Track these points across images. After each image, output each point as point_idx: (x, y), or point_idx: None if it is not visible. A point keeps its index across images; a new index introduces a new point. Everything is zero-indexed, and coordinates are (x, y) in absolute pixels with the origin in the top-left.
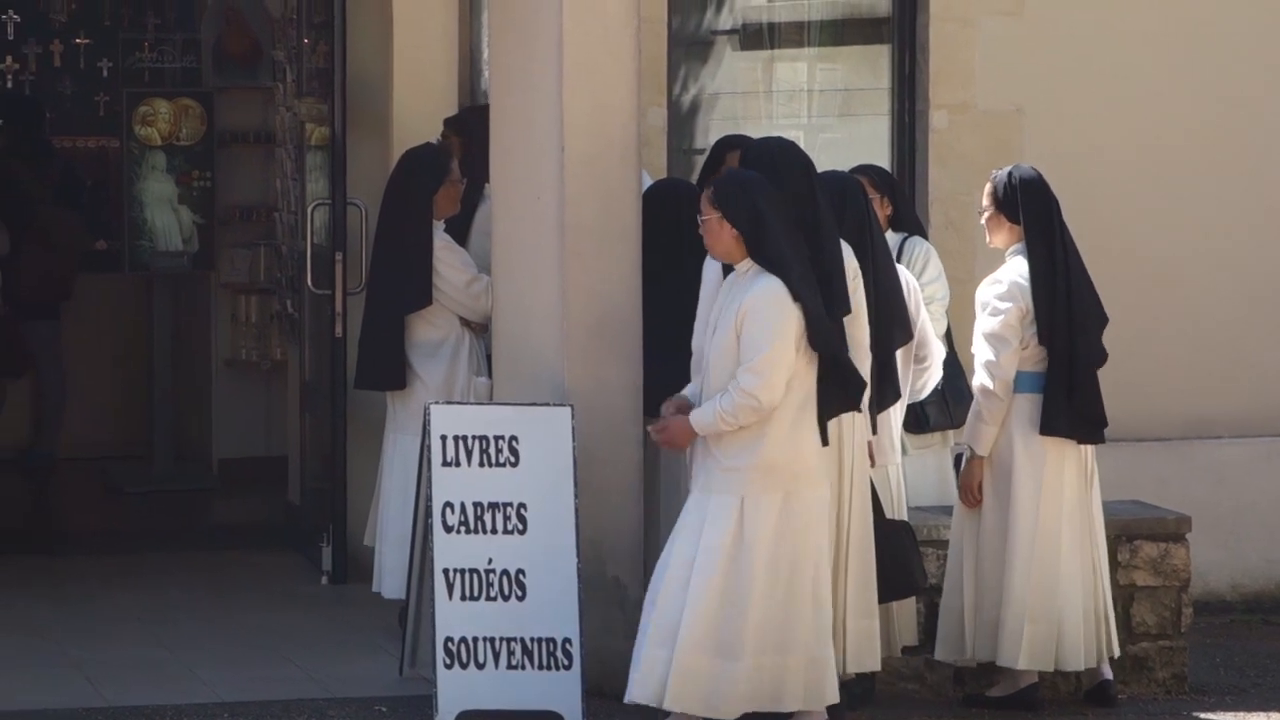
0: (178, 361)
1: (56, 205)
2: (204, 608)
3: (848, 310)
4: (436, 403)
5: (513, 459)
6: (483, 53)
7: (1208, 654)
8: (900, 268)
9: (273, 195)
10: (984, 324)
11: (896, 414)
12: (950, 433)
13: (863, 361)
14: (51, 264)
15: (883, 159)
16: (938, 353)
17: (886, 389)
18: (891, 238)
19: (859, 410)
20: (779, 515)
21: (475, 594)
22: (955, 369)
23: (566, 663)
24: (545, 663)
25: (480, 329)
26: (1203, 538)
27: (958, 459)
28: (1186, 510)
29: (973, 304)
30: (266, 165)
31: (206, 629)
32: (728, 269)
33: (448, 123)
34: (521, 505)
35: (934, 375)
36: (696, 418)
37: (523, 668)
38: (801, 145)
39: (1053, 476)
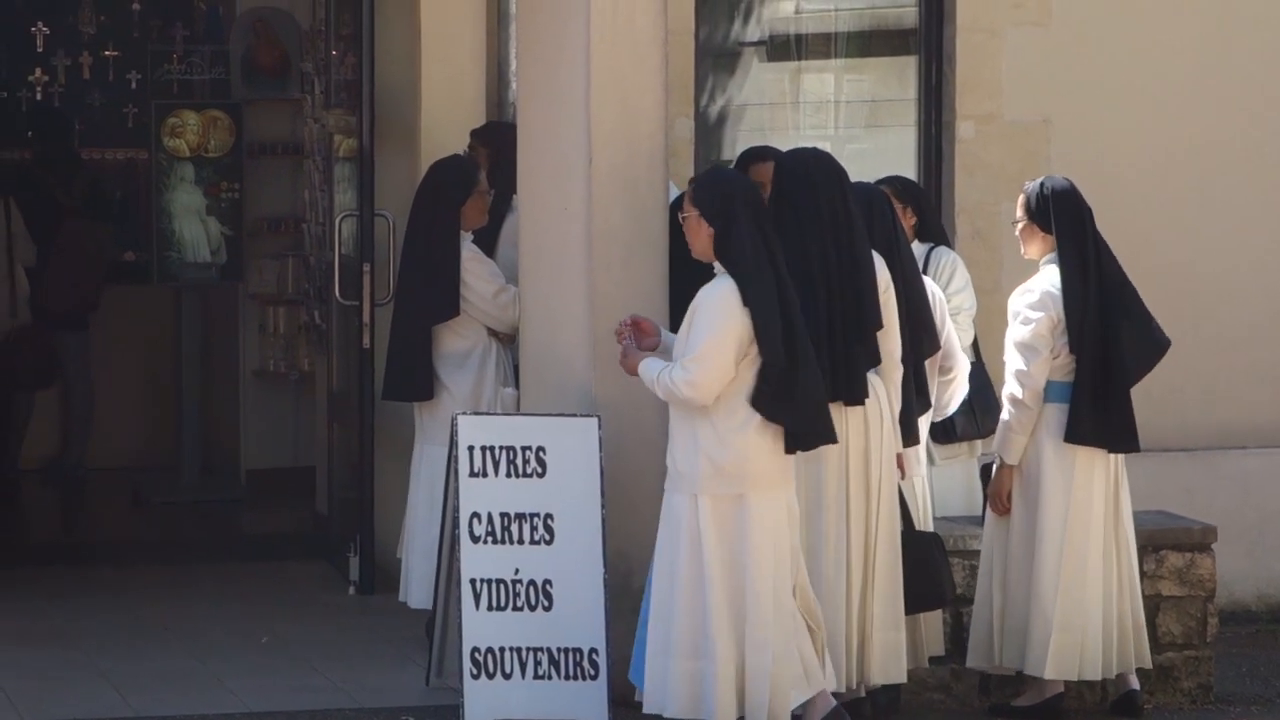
0: (206, 372)
1: (85, 217)
2: (232, 618)
3: (880, 324)
4: (464, 413)
5: (540, 469)
6: (510, 64)
7: (1234, 664)
8: (926, 279)
9: (301, 206)
10: (1015, 333)
11: (923, 425)
12: (978, 443)
13: (894, 373)
14: (79, 275)
15: (909, 170)
16: (963, 365)
17: (918, 400)
18: (917, 248)
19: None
20: (732, 517)
21: (502, 604)
22: (982, 379)
23: (593, 673)
24: (572, 673)
25: (507, 339)
26: (1228, 548)
27: (985, 469)
28: (1212, 520)
29: (1000, 314)
30: (295, 177)
31: (234, 639)
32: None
33: (475, 134)
34: (549, 516)
35: (960, 388)
36: (644, 365)
37: (549, 678)
38: None
39: (1082, 486)
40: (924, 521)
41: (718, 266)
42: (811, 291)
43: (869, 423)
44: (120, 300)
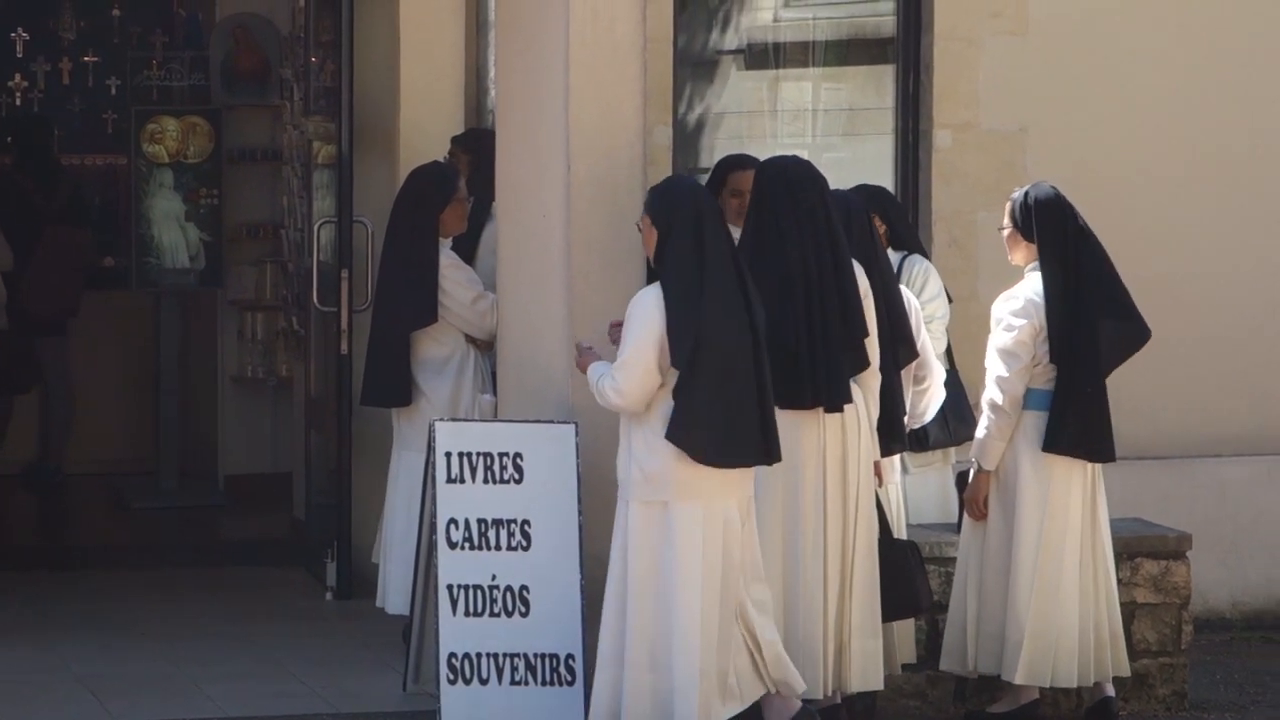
0: (184, 378)
1: (64, 222)
2: (210, 623)
3: (866, 333)
4: (442, 419)
5: (517, 476)
6: (489, 72)
7: (1208, 671)
8: (902, 288)
9: (280, 213)
10: (997, 339)
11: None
12: (952, 450)
13: (872, 381)
14: (59, 281)
15: (887, 178)
16: (937, 373)
17: (888, 427)
18: (890, 256)
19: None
20: (657, 525)
21: (479, 610)
22: (956, 387)
23: (570, 679)
24: (548, 679)
25: (485, 346)
26: (1204, 555)
27: (960, 476)
28: (1188, 528)
29: (977, 322)
30: (274, 183)
31: (212, 644)
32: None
33: (456, 141)
34: (525, 522)
35: (935, 397)
36: (591, 368)
37: (526, 684)
38: None
39: (1058, 494)
40: (898, 529)
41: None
42: (792, 299)
43: (847, 430)
44: (100, 306)
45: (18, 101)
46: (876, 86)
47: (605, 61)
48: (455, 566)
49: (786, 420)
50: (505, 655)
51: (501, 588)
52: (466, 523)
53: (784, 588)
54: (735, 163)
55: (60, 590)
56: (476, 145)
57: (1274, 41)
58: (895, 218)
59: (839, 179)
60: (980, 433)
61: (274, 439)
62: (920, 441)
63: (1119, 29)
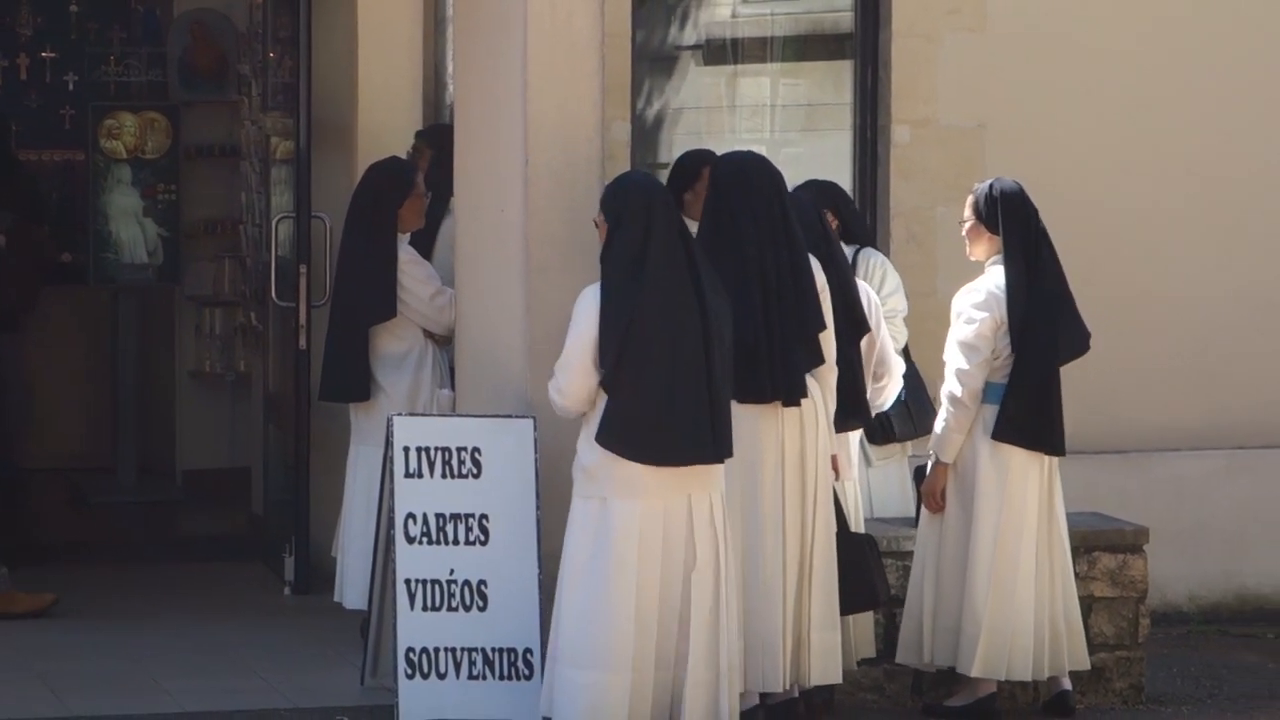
0: (143, 374)
1: (22, 218)
2: (168, 618)
3: (823, 326)
4: (399, 414)
5: (475, 470)
6: (448, 67)
7: (1165, 665)
8: (861, 283)
9: (238, 208)
10: (958, 331)
11: (853, 437)
12: (910, 443)
13: (829, 376)
14: (16, 277)
15: (845, 174)
16: (896, 370)
17: (852, 402)
18: (844, 250)
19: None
20: (594, 521)
21: (437, 604)
22: (916, 381)
23: (527, 673)
24: (506, 673)
25: (444, 341)
26: (1161, 549)
27: (918, 470)
28: (1145, 522)
29: (936, 318)
30: (232, 179)
31: (171, 640)
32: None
33: (420, 135)
34: (484, 516)
35: (893, 389)
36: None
37: (484, 678)
38: None
39: (1016, 487)
40: (857, 523)
41: None
42: (749, 293)
43: (805, 424)
44: (57, 301)
45: None
46: (835, 82)
47: (563, 57)
48: (413, 561)
49: (745, 414)
50: (463, 650)
51: (459, 582)
52: (425, 517)
53: (743, 581)
54: (700, 158)
55: (18, 586)
56: (440, 140)
57: (1232, 39)
58: (847, 212)
59: (797, 174)
60: (939, 425)
61: (232, 434)
62: (884, 434)
63: (1077, 25)
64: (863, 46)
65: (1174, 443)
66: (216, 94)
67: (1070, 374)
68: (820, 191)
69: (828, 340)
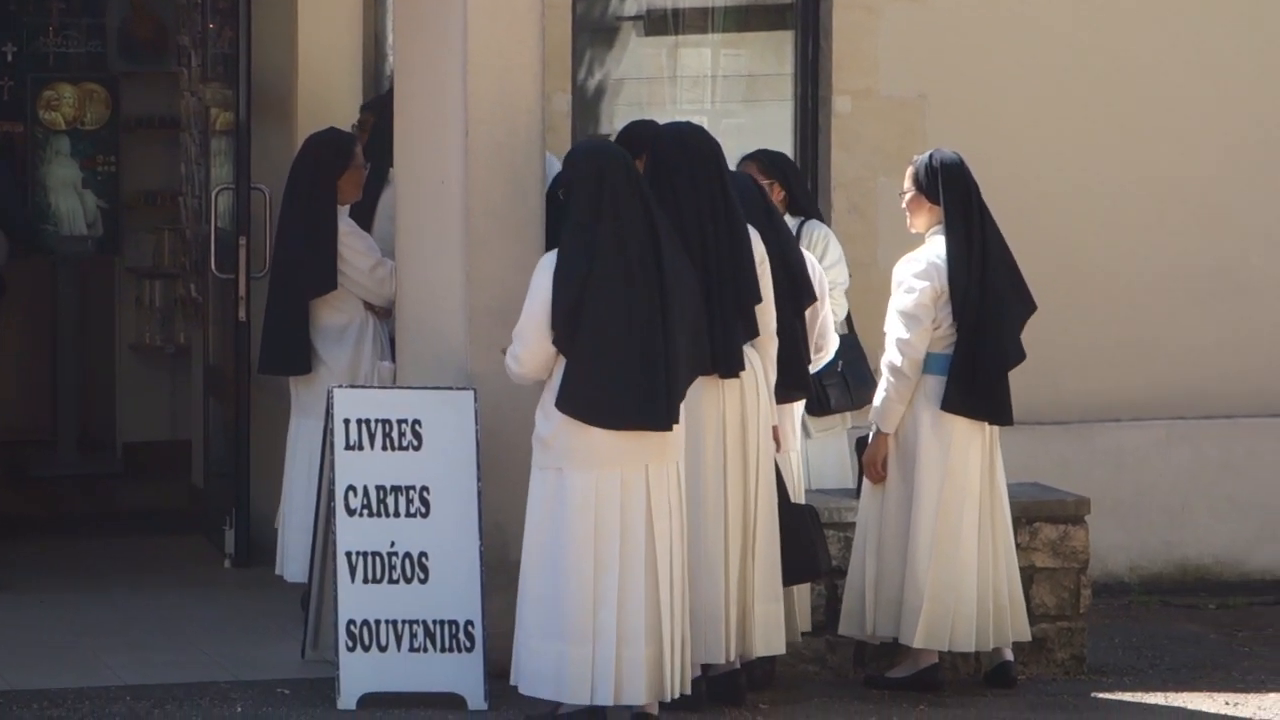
0: (82, 346)
1: None
2: (109, 592)
3: (759, 299)
4: (340, 386)
5: (416, 443)
6: (388, 38)
7: (1106, 635)
8: (805, 253)
9: (177, 180)
10: (898, 301)
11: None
12: (850, 415)
13: (769, 347)
14: None
15: (786, 144)
16: (833, 344)
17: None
18: (789, 222)
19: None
20: (552, 492)
21: (378, 577)
22: (856, 352)
23: (469, 645)
24: (448, 645)
25: (384, 313)
26: (1102, 520)
27: (860, 440)
28: (1086, 492)
29: (877, 289)
30: (171, 150)
31: (110, 613)
32: None
33: (367, 107)
34: (424, 489)
35: (822, 362)
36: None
37: (425, 650)
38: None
39: (958, 458)
40: (798, 494)
41: None
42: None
43: (745, 396)
44: None
45: None
46: (776, 52)
47: (503, 28)
48: (354, 533)
49: None
50: (404, 622)
51: (400, 554)
52: (365, 490)
53: (686, 553)
54: (639, 128)
55: None
56: (387, 108)
57: (1168, 12)
58: (794, 183)
59: (739, 145)
60: (880, 396)
61: (173, 407)
62: (822, 406)
63: None
64: (804, 17)
65: (1114, 413)
66: (156, 65)
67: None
68: (770, 162)
69: (766, 312)
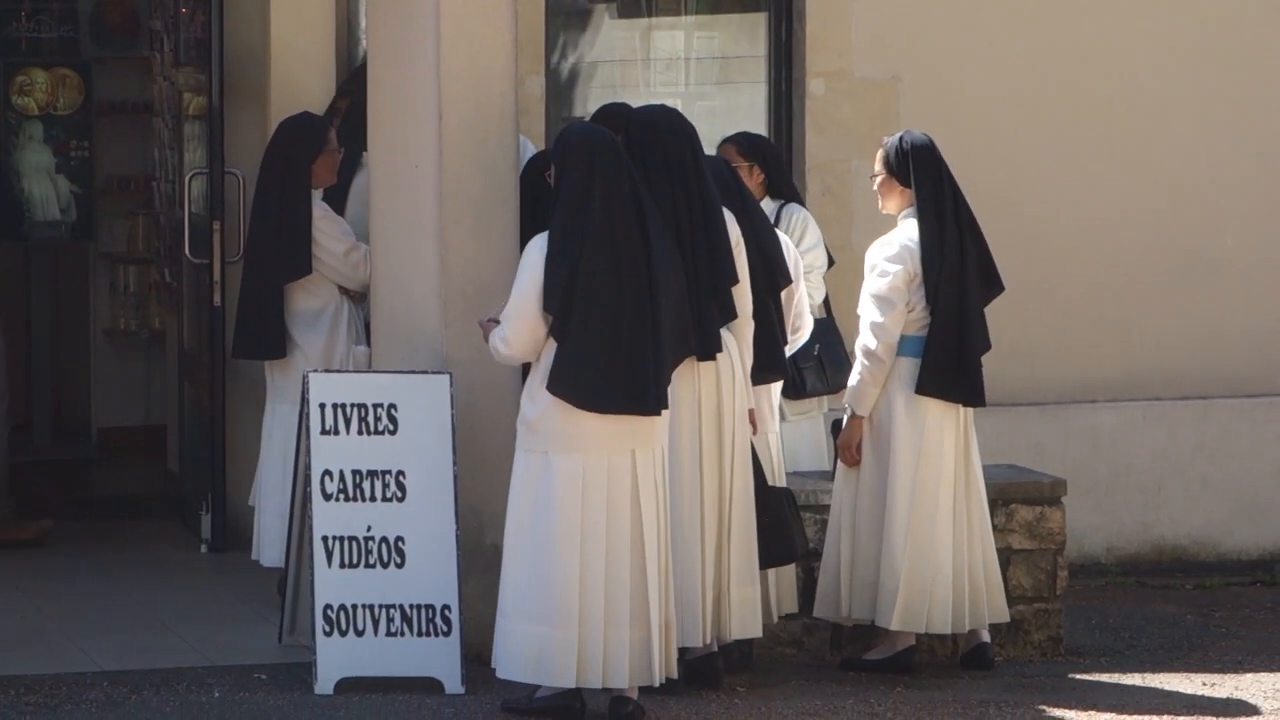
0: (57, 331)
1: None
2: (85, 577)
3: (735, 280)
4: (315, 371)
5: (391, 427)
6: (361, 22)
7: (1083, 616)
8: (781, 235)
9: (151, 165)
10: (871, 285)
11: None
12: (826, 399)
13: (745, 329)
14: None
15: (760, 127)
16: (808, 326)
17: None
18: (768, 205)
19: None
20: (538, 475)
21: (354, 561)
22: (833, 336)
23: (446, 629)
24: (424, 630)
25: (359, 298)
26: (1078, 501)
27: (835, 424)
28: (1062, 474)
29: (852, 271)
30: (145, 135)
31: (87, 599)
32: None
33: (343, 89)
34: (400, 473)
35: (798, 344)
36: (494, 330)
37: (402, 635)
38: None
39: (932, 440)
40: (775, 477)
41: None
42: None
43: (721, 379)
44: None
45: None
46: (749, 35)
47: (476, 11)
48: (330, 518)
49: None
50: (381, 606)
51: (377, 539)
52: (341, 474)
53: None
54: (613, 111)
55: None
56: (361, 94)
57: None
58: (774, 166)
59: (713, 128)
60: (854, 379)
61: (148, 392)
62: (797, 389)
63: None
64: None
65: (1090, 395)
66: (128, 50)
67: (988, 326)
68: (750, 145)
69: (742, 294)
